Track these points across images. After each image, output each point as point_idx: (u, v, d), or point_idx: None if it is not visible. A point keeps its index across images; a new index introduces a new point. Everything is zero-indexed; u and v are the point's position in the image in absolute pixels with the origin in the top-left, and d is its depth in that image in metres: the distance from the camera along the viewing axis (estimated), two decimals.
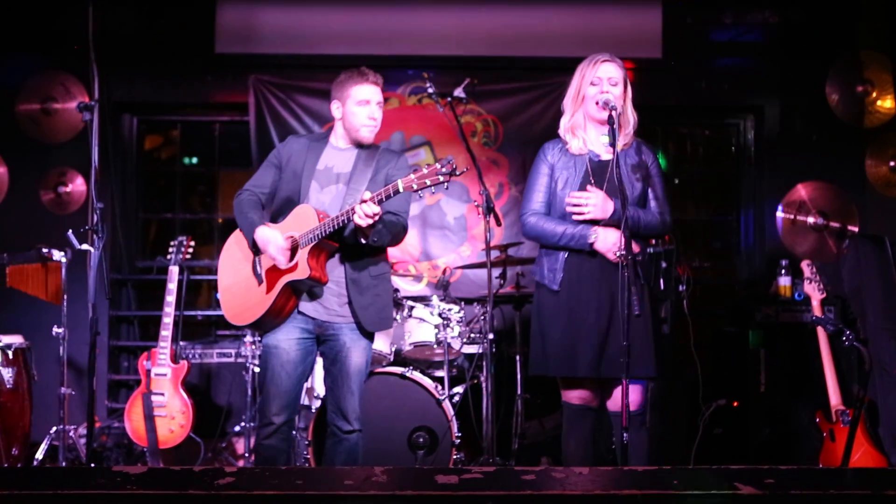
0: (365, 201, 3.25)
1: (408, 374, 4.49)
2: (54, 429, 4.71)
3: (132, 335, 6.21)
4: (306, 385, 4.58)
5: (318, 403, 4.48)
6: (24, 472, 3.05)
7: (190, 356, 5.40)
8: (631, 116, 3.56)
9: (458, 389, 4.73)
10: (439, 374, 4.74)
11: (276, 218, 3.62)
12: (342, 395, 3.56)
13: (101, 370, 5.75)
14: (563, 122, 3.60)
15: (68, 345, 4.66)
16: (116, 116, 6.07)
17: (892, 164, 5.88)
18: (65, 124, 5.86)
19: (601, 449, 4.08)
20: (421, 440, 4.45)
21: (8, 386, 4.50)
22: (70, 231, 4.39)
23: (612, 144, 3.31)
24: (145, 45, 5.92)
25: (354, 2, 5.95)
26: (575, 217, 3.44)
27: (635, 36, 5.93)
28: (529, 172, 3.68)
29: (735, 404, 5.13)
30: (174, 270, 4.99)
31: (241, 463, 5.05)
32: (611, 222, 3.43)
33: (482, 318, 4.68)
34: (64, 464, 4.65)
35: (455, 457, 4.44)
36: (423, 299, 4.97)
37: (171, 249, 5.06)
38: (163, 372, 4.89)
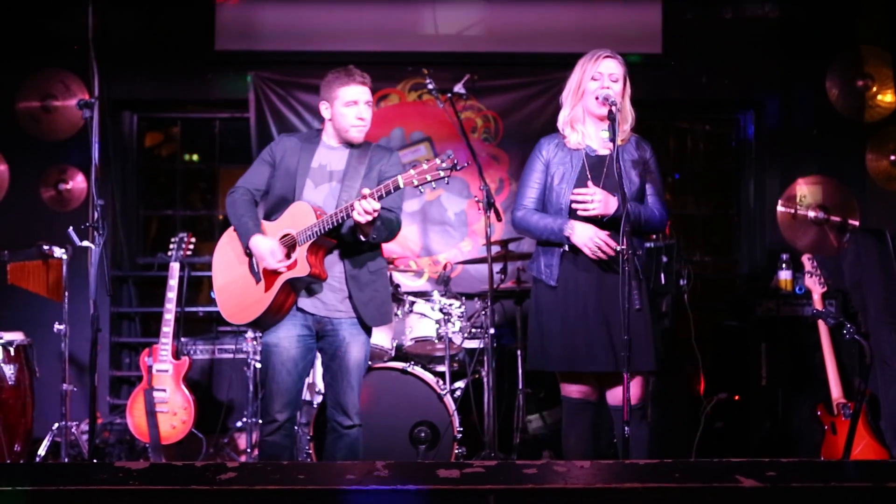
0: (364, 198, 3.25)
1: (409, 370, 4.50)
2: (56, 425, 4.72)
3: (133, 332, 6.21)
4: (308, 381, 4.59)
5: (319, 399, 4.49)
6: (27, 469, 3.06)
7: (191, 352, 5.41)
8: (629, 113, 3.57)
9: (460, 384, 4.74)
10: (440, 369, 4.75)
11: (269, 216, 3.61)
12: (342, 390, 3.57)
13: (103, 366, 5.75)
14: (562, 116, 3.60)
15: (70, 341, 4.66)
16: (116, 114, 6.07)
17: (892, 158, 5.88)
18: (65, 122, 5.86)
19: (602, 444, 4.09)
20: (423, 435, 4.45)
21: (10, 383, 4.51)
22: (71, 228, 4.38)
23: (613, 140, 3.31)
24: (145, 43, 5.91)
25: None
26: (579, 213, 3.45)
27: (635, 31, 5.93)
28: (524, 167, 3.68)
29: (736, 398, 5.14)
30: (175, 267, 4.99)
31: (243, 458, 5.05)
32: (613, 218, 3.43)
33: (483, 313, 4.68)
34: (66, 460, 4.66)
35: (457, 451, 4.45)
36: (423, 295, 4.97)
37: (171, 246, 5.06)
38: (164, 368, 4.89)
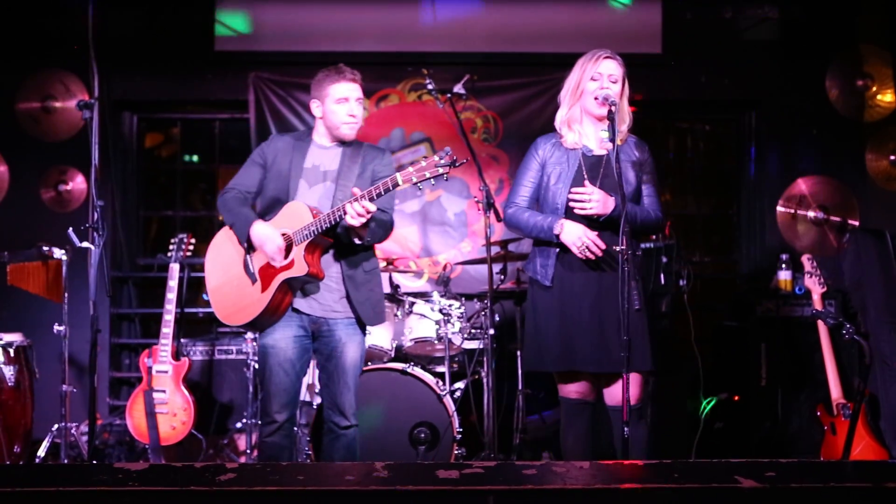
0: (356, 199, 3.25)
1: (409, 370, 4.50)
2: (56, 426, 4.71)
3: (133, 332, 6.22)
4: (307, 382, 4.59)
5: (319, 400, 4.48)
6: (27, 470, 3.06)
7: (191, 353, 5.41)
8: (627, 114, 3.57)
9: (459, 385, 4.74)
10: (440, 369, 4.75)
11: (263, 217, 3.60)
12: (339, 390, 3.57)
13: (103, 367, 5.76)
14: (560, 115, 3.60)
15: (69, 342, 4.66)
16: (116, 114, 6.07)
17: (892, 157, 5.88)
18: (65, 122, 5.86)
19: (602, 444, 4.09)
20: (422, 436, 4.45)
21: (9, 384, 4.51)
22: (70, 229, 4.38)
23: (612, 140, 3.32)
24: (145, 43, 5.92)
25: None
26: (577, 211, 3.45)
27: (635, 31, 5.93)
28: (519, 165, 3.68)
29: (736, 398, 5.14)
30: (175, 268, 5.00)
31: (242, 459, 5.05)
32: (610, 218, 3.43)
33: (483, 313, 4.68)
34: (66, 461, 4.65)
35: (456, 452, 4.45)
36: (423, 295, 4.97)
37: (171, 247, 5.06)
38: (164, 369, 4.89)
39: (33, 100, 5.87)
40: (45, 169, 5.84)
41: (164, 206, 6.41)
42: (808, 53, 5.92)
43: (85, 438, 4.66)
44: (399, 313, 4.80)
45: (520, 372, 4.95)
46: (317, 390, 4.58)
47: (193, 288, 5.54)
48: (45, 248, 4.76)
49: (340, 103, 3.55)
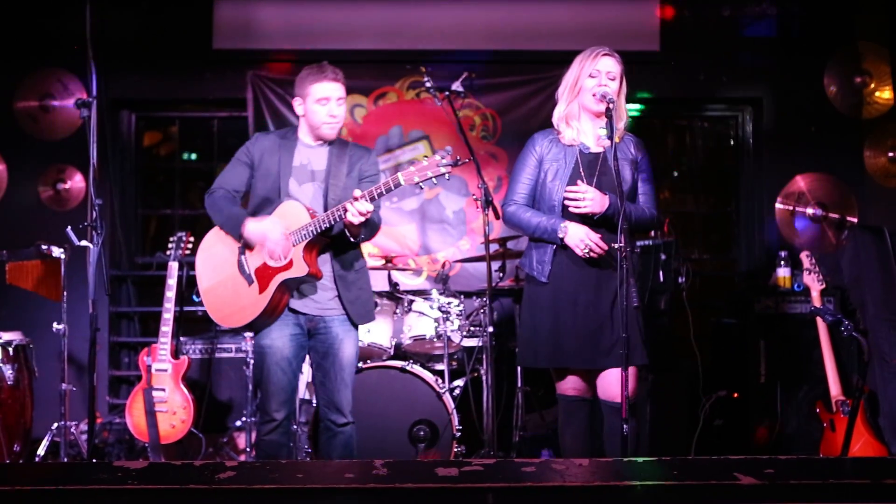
0: (357, 199, 3.25)
1: (408, 368, 4.50)
2: (55, 425, 4.71)
3: (132, 331, 6.21)
4: (307, 380, 4.59)
5: None
6: (26, 469, 3.06)
7: (190, 351, 5.40)
8: (623, 112, 3.57)
9: (459, 382, 4.74)
10: (439, 367, 4.75)
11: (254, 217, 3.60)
12: (336, 388, 3.57)
13: (102, 366, 5.76)
14: (558, 112, 3.60)
15: (68, 341, 4.66)
16: (115, 113, 6.06)
17: (890, 154, 5.88)
18: (63, 121, 5.86)
19: (600, 441, 4.09)
20: (422, 433, 4.45)
21: (9, 382, 4.50)
22: (69, 227, 4.38)
23: (610, 137, 3.32)
24: (143, 42, 5.90)
25: None
26: (571, 210, 3.45)
27: (633, 28, 5.93)
28: (516, 161, 3.68)
29: (735, 395, 5.14)
30: (174, 266, 4.99)
31: (242, 457, 5.05)
32: (605, 217, 3.44)
33: (482, 311, 4.68)
34: (65, 460, 4.66)
35: (456, 450, 4.45)
36: (422, 293, 4.98)
37: (170, 245, 5.05)
38: (163, 367, 4.89)
39: (31, 99, 5.86)
40: (43, 168, 5.84)
41: (163, 205, 6.41)
42: (806, 50, 5.92)
43: (84, 437, 4.66)
44: (398, 311, 4.80)
45: (519, 369, 4.95)
46: None
47: (192, 286, 5.53)
48: (44, 247, 4.75)
49: (321, 103, 3.51)
